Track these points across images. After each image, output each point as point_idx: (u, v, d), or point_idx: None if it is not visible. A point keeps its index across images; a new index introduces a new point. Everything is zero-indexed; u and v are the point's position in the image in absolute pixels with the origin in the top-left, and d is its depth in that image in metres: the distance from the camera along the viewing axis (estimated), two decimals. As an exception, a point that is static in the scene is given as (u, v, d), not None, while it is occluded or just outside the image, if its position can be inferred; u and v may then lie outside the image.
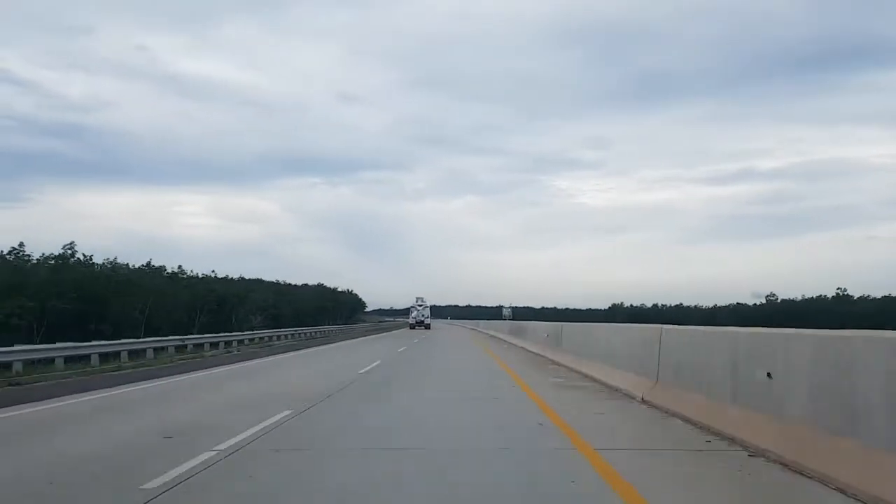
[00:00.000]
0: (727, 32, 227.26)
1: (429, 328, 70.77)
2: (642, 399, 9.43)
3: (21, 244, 33.14)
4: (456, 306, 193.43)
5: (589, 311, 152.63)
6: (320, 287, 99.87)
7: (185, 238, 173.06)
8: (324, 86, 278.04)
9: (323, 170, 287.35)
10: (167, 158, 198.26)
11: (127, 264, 37.79)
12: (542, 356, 21.11)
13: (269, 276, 79.89)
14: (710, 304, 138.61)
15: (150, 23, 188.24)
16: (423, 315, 73.14)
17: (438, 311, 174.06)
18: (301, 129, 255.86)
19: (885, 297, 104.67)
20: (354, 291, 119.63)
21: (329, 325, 66.88)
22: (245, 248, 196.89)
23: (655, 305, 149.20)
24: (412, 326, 71.42)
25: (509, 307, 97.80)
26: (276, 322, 54.93)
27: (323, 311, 78.57)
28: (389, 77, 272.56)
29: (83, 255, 34.93)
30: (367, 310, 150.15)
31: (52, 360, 17.79)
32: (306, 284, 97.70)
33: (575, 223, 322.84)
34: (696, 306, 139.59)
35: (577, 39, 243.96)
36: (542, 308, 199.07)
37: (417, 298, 74.91)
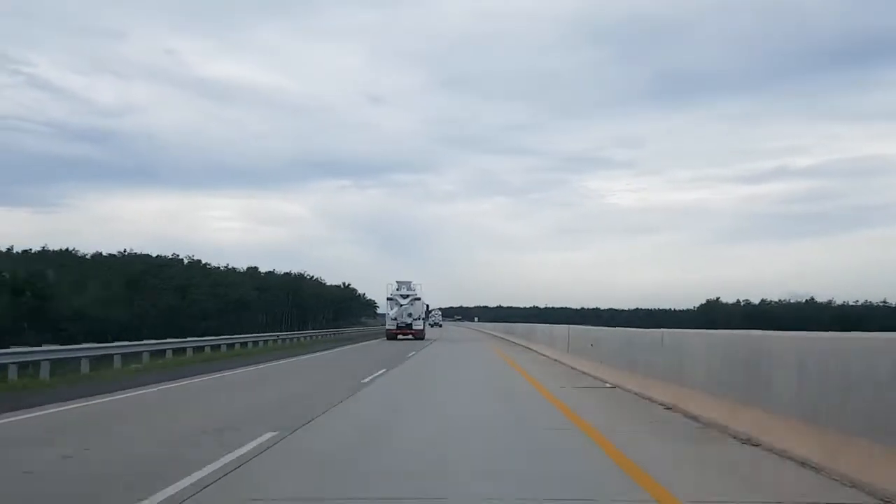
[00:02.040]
0: (761, 27, 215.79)
1: (422, 338, 36.22)
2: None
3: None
4: (486, 307, 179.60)
5: (672, 312, 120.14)
6: (287, 276, 65.80)
7: (216, 241, 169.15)
8: (351, 87, 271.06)
9: (352, 172, 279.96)
10: (197, 162, 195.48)
11: None
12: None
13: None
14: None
15: (177, 26, 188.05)
16: (407, 314, 38.51)
17: (465, 313, 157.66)
18: (329, 131, 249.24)
19: None
20: (352, 285, 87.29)
21: (260, 331, 41.27)
22: (275, 251, 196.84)
23: (765, 301, 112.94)
24: (392, 335, 40.82)
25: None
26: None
27: (243, 308, 43.38)
28: (417, 78, 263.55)
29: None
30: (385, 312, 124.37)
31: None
32: (257, 269, 64.01)
33: (607, 224, 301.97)
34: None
35: (607, 36, 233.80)
36: (582, 308, 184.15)
37: (399, 284, 40.13)
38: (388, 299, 41.15)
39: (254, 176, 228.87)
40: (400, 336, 39.82)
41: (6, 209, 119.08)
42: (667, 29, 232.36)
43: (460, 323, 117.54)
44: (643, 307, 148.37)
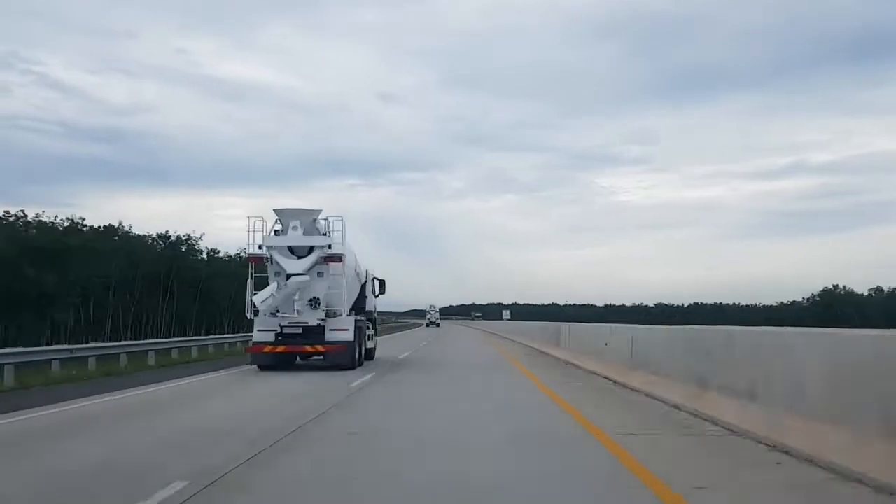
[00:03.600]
0: (774, 21, 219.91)
1: (351, 364, 15.20)
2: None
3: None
4: (500, 304, 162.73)
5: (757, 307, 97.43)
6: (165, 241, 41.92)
7: (227, 241, 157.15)
8: (362, 86, 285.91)
9: (362, 171, 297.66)
10: (208, 161, 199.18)
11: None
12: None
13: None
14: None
15: (189, 26, 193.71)
16: (307, 300, 15.91)
17: (482, 311, 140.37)
18: (340, 130, 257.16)
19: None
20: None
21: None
22: None
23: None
24: (268, 360, 15.05)
25: None
26: None
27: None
28: (427, 75, 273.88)
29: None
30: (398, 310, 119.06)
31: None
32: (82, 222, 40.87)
33: (620, 220, 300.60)
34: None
35: (617, 32, 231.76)
36: (608, 305, 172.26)
37: (283, 218, 13.23)
38: (252, 257, 15.44)
39: (264, 175, 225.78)
40: (300, 359, 14.83)
41: (17, 209, 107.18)
42: (679, 23, 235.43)
43: (479, 323, 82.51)
44: (704, 302, 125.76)
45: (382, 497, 4.75)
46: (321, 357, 15.23)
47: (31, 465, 5.83)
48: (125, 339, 30.91)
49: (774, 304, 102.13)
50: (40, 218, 40.88)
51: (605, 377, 12.62)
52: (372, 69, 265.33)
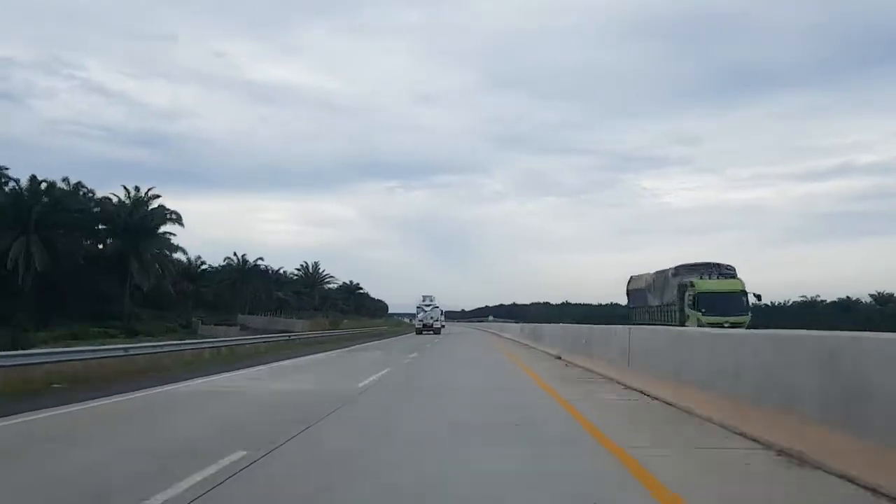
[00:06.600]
0: (822, 18, 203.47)
1: None
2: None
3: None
4: (548, 304, 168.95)
5: None
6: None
7: (267, 244, 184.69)
8: (400, 87, 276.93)
9: (400, 173, 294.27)
10: (247, 164, 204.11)
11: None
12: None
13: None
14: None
15: (227, 28, 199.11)
16: None
17: (520, 313, 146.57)
18: (378, 132, 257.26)
19: None
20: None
21: None
22: (325, 254, 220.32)
23: None
24: None
25: None
26: None
27: None
28: (466, 76, 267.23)
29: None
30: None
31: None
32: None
33: (662, 224, 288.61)
34: None
35: (660, 30, 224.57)
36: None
37: None
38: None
39: (304, 178, 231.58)
40: None
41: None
42: (723, 22, 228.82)
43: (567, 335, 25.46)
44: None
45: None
46: None
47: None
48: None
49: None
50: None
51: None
52: (410, 70, 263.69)
